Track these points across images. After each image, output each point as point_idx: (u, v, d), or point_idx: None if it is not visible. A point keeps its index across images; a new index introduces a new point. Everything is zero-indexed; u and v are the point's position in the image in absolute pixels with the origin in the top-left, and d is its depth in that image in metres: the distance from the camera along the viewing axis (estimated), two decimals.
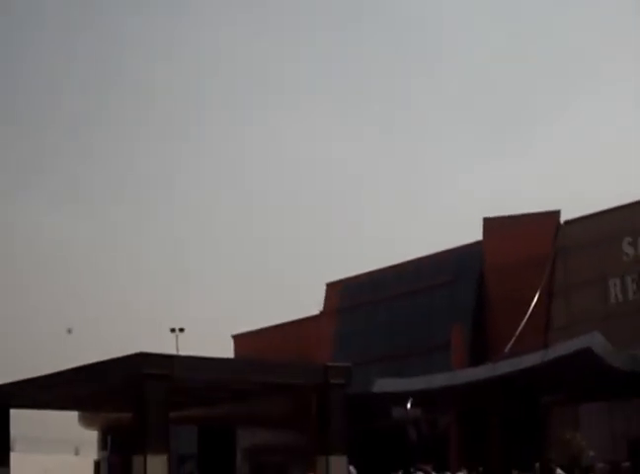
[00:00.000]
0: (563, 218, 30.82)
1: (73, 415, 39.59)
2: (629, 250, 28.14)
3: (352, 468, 13.02)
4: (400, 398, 28.74)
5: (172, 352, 6.19)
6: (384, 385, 29.30)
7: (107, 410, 9.72)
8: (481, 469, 17.39)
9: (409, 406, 28.78)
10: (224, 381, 6.55)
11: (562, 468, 15.46)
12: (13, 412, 7.36)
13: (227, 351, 41.41)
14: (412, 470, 17.07)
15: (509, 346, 27.40)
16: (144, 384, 5.79)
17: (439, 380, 27.25)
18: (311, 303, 41.10)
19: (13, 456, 6.76)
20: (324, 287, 39.98)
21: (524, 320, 28.16)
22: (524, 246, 30.60)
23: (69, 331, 46.07)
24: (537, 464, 15.37)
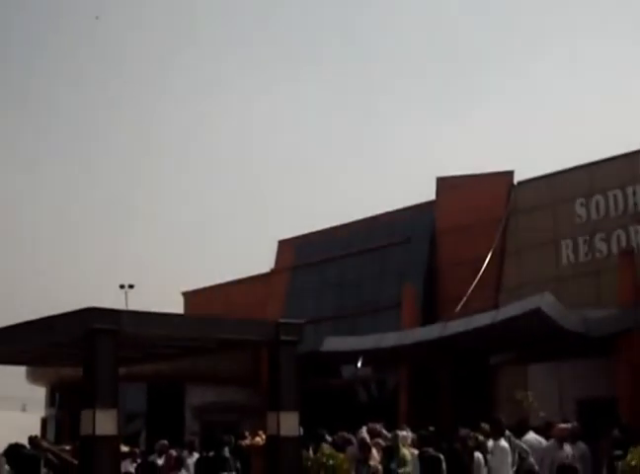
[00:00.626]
0: (516, 179, 31.03)
1: (20, 371, 39.36)
2: (581, 212, 28.46)
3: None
4: (350, 357, 29.02)
5: (122, 308, 6.18)
6: (334, 344, 29.50)
7: (55, 365, 9.71)
8: (432, 428, 17.63)
9: (359, 365, 29.09)
10: (173, 337, 6.56)
11: (510, 429, 15.72)
12: None
13: (177, 308, 41.41)
14: (361, 428, 17.24)
15: (459, 306, 27.71)
16: (93, 339, 5.78)
17: (389, 339, 27.50)
18: (262, 261, 41.20)
19: None
20: (276, 245, 40.01)
21: (476, 281, 28.46)
22: (477, 206, 30.83)
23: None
24: (485, 425, 15.58)
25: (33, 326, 6.51)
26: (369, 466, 14.05)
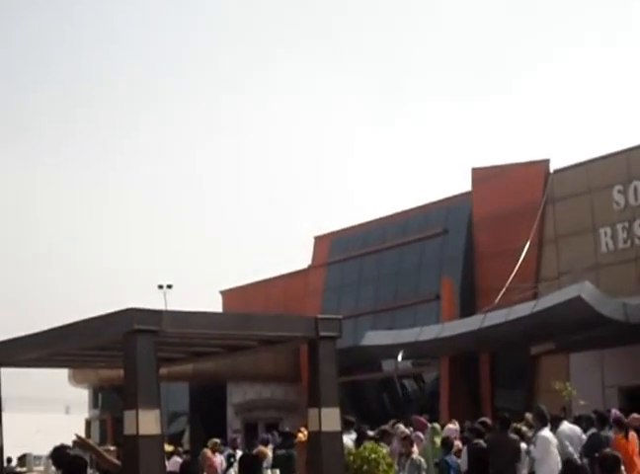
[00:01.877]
0: (553, 167, 30.81)
1: (63, 374, 39.81)
2: (619, 198, 28.21)
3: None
4: (390, 351, 29.02)
5: (161, 308, 6.22)
6: (374, 338, 29.54)
7: (96, 367, 9.78)
8: (483, 419, 17.54)
9: (399, 358, 29.07)
10: (213, 335, 6.57)
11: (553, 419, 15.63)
12: (3, 371, 7.38)
13: (216, 307, 41.62)
14: (404, 423, 17.25)
15: (499, 297, 27.58)
16: (133, 340, 5.81)
17: (429, 332, 27.47)
18: (299, 257, 41.27)
19: (3, 416, 6.80)
20: (312, 241, 40.08)
21: (514, 271, 28.31)
22: (514, 196, 30.65)
23: None
24: (528, 415, 15.48)
25: (72, 329, 6.55)
26: (412, 459, 14.03)
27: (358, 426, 16.46)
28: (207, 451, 17.45)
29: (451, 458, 14.48)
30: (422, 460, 14.06)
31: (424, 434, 16.22)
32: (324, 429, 6.96)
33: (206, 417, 37.03)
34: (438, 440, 15.36)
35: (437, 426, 16.94)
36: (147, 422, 6.02)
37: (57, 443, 10.63)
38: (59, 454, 9.36)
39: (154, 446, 6.10)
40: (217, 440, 19.91)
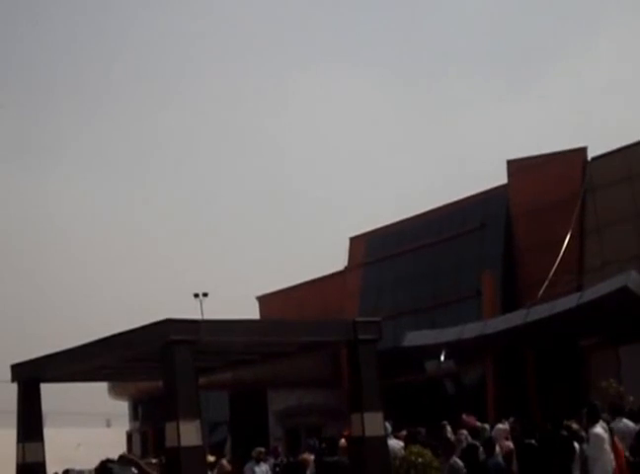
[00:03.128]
0: (590, 155, 30.57)
1: (103, 387, 40.14)
2: None
3: (387, 424, 13.15)
4: (432, 350, 28.95)
5: (197, 317, 6.29)
6: (415, 338, 29.49)
7: (135, 379, 9.89)
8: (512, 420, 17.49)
9: (442, 358, 28.99)
10: (251, 343, 6.63)
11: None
12: (43, 386, 7.51)
13: (253, 313, 41.75)
14: (446, 423, 17.19)
15: (541, 290, 27.42)
16: (171, 351, 5.88)
17: (471, 330, 27.38)
18: (335, 259, 41.26)
19: (45, 431, 6.91)
20: (347, 242, 40.08)
21: (556, 263, 28.12)
22: (552, 186, 30.46)
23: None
24: (585, 410, 15.33)
25: (109, 342, 6.65)
26: (450, 464, 13.94)
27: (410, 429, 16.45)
28: (223, 461, 17.47)
29: (494, 461, 14.28)
30: (460, 464, 13.95)
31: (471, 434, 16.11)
32: (367, 434, 7.00)
33: (247, 425, 37.19)
34: None
35: (486, 426, 16.85)
36: (188, 433, 6.10)
37: (102, 458, 10.74)
38: (103, 469, 9.47)
39: (196, 457, 6.19)
40: (262, 449, 19.93)
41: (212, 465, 21.14)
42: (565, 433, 14.36)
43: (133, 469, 7.53)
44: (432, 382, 34.97)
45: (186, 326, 6.00)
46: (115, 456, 9.38)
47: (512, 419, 17.96)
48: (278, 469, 19.82)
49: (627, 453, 14.48)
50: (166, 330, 5.94)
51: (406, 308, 35.17)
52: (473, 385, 33.35)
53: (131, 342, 6.42)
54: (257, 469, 19.14)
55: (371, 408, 6.94)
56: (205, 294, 42.88)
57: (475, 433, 15.59)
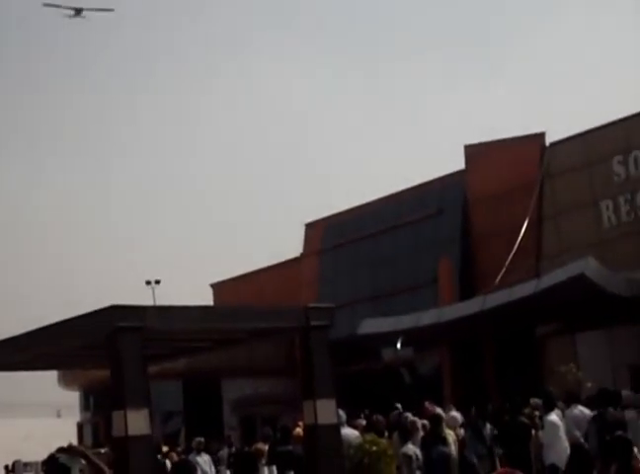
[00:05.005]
0: (548, 140, 30.79)
1: (53, 377, 39.85)
2: (620, 170, 28.18)
3: (341, 412, 13.21)
4: (389, 338, 29.09)
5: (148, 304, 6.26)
6: (371, 326, 29.60)
7: (82, 368, 9.83)
8: (491, 407, 17.65)
9: (399, 346, 29.14)
10: (201, 330, 6.62)
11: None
12: None
13: (207, 301, 41.63)
14: (404, 412, 17.29)
15: (499, 277, 27.64)
16: (118, 338, 5.85)
17: (427, 317, 27.53)
18: (291, 246, 41.27)
19: None
20: (303, 228, 40.06)
21: (514, 250, 28.35)
22: (509, 172, 30.65)
23: None
24: (534, 399, 15.52)
25: (55, 329, 6.59)
26: (403, 452, 14.02)
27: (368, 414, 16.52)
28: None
29: (437, 450, 14.35)
30: (412, 452, 14.00)
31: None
32: (320, 421, 7.01)
33: (202, 415, 37.12)
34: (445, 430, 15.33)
35: (441, 413, 16.95)
36: (136, 422, 6.06)
37: (51, 450, 10.69)
38: (49, 462, 9.43)
39: (144, 447, 6.15)
40: (202, 439, 19.95)
41: (165, 455, 21.13)
42: (524, 419, 14.54)
43: (81, 460, 7.48)
44: (389, 370, 35.14)
45: (132, 312, 5.96)
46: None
47: (473, 409, 18.11)
48: (232, 459, 19.86)
49: (582, 440, 14.69)
50: (112, 316, 5.90)
51: (363, 295, 35.27)
52: (430, 373, 33.59)
53: (77, 329, 6.37)
54: (198, 459, 19.19)
55: (324, 395, 6.96)
56: (158, 281, 42.75)
57: (437, 420, 15.70)
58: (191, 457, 19.51)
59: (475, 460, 14.58)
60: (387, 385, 35.60)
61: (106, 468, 7.19)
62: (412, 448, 13.87)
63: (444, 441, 14.74)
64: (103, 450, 16.77)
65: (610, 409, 14.35)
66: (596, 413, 14.51)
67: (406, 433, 14.47)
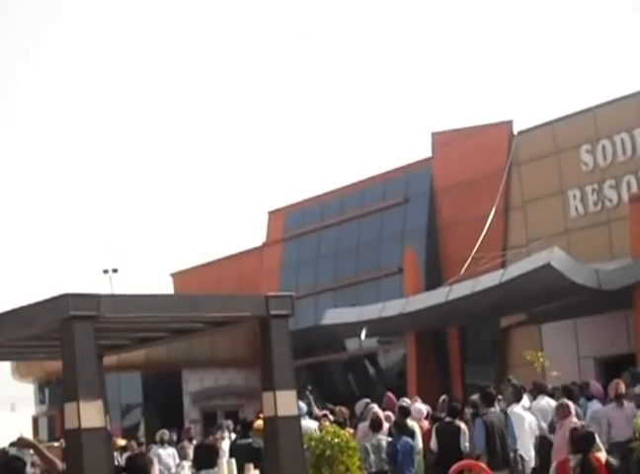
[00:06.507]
0: (516, 128, 30.93)
1: (5, 368, 39.45)
2: (588, 159, 28.39)
3: (302, 404, 13.21)
4: (353, 329, 29.12)
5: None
6: (335, 316, 29.61)
7: (36, 359, 9.71)
8: (444, 398, 17.82)
9: (363, 337, 29.19)
10: (157, 319, 6.54)
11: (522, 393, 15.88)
12: None
13: (167, 291, 41.44)
14: (370, 404, 17.35)
15: (464, 267, 27.74)
16: (70, 327, 5.76)
17: (391, 308, 27.58)
18: (255, 235, 41.21)
19: None
20: (266, 217, 40.00)
21: (480, 239, 28.46)
22: (476, 160, 30.77)
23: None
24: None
25: (4, 318, 6.48)
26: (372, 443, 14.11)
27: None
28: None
29: (402, 442, 14.45)
30: (383, 443, 14.10)
31: (394, 412, 16.32)
32: (280, 413, 6.97)
33: (162, 407, 36.98)
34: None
35: (405, 403, 17.04)
36: (90, 414, 5.98)
37: (4, 444, 10.57)
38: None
39: (98, 440, 6.06)
40: (166, 431, 19.93)
41: (124, 449, 21.01)
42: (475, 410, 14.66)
43: (32, 452, 7.39)
44: (353, 361, 35.23)
45: (86, 301, 5.87)
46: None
47: (444, 396, 18.22)
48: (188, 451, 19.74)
49: (548, 431, 14.83)
50: (65, 305, 5.81)
51: (327, 285, 35.30)
52: (395, 363, 33.72)
53: (29, 318, 6.27)
54: (162, 452, 19.15)
55: (284, 386, 6.91)
56: (115, 270, 42.42)
57: (403, 412, 15.80)
58: (154, 450, 19.49)
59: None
60: (352, 376, 35.68)
61: (57, 461, 7.11)
62: (384, 438, 14.03)
63: (410, 433, 14.85)
64: (57, 444, 16.66)
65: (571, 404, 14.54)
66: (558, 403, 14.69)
67: (378, 424, 14.59)
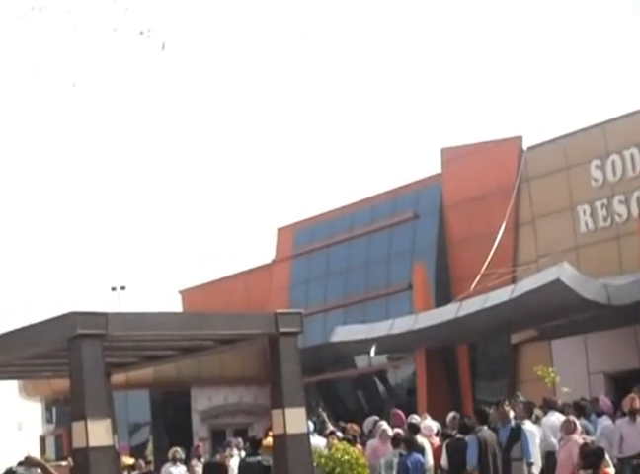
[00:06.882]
0: (526, 144, 30.93)
1: (13, 388, 39.41)
2: (597, 174, 28.36)
3: (310, 422, 13.18)
4: (363, 346, 29.08)
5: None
6: (344, 333, 29.57)
7: (44, 377, 9.70)
8: (454, 415, 17.77)
9: (372, 354, 29.14)
10: (165, 337, 6.53)
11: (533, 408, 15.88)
12: None
13: (176, 309, 41.39)
14: (379, 420, 17.32)
15: (474, 283, 27.69)
16: (78, 345, 5.76)
17: (401, 325, 27.53)
18: (263, 252, 41.19)
19: None
20: (275, 233, 39.98)
21: (490, 255, 28.42)
22: (486, 176, 30.75)
23: None
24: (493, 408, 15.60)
25: (12, 337, 6.49)
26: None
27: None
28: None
29: (412, 459, 14.43)
30: (394, 460, 14.09)
31: (402, 429, 16.29)
32: (289, 431, 6.95)
33: (170, 426, 36.93)
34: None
35: (415, 420, 17.01)
36: (97, 433, 5.97)
37: (10, 464, 10.56)
38: None
39: (106, 458, 6.06)
40: (178, 449, 19.86)
41: (132, 467, 20.96)
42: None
43: (39, 471, 7.40)
44: (363, 378, 35.16)
45: (93, 319, 5.88)
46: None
47: (453, 413, 18.17)
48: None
49: (559, 447, 14.80)
50: (72, 323, 5.82)
51: (337, 302, 35.25)
52: (405, 380, 33.64)
53: (36, 336, 6.28)
54: (173, 470, 19.09)
55: (293, 404, 6.90)
56: (123, 288, 42.44)
57: (412, 428, 15.79)
58: (165, 468, 19.42)
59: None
60: (361, 393, 35.60)
61: None
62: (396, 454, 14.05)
63: (420, 450, 14.83)
64: (64, 463, 16.62)
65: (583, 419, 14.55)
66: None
67: (399, 441, 14.63)
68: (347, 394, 36.50)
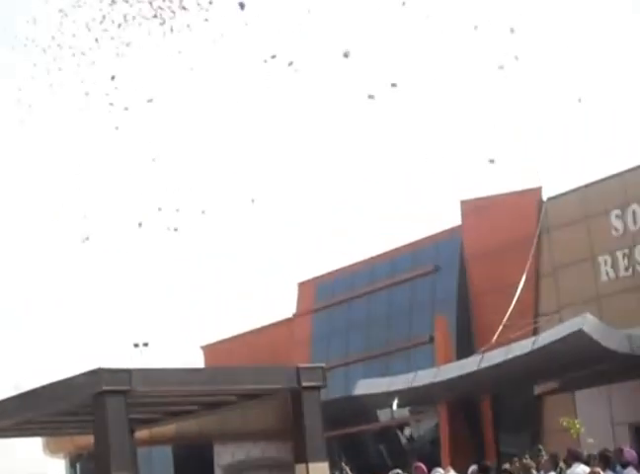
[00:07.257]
0: (545, 195, 30.95)
1: (37, 444, 39.31)
2: (618, 224, 28.32)
3: None
4: (385, 399, 28.92)
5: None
6: (366, 386, 29.43)
7: (69, 434, 9.74)
8: (474, 469, 17.63)
9: (394, 407, 28.96)
10: (188, 393, 6.57)
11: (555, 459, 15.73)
12: None
13: (197, 364, 41.33)
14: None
15: (496, 335, 27.57)
16: (102, 402, 5.80)
17: (422, 377, 27.38)
18: (284, 306, 41.16)
19: None
20: (296, 288, 40.02)
21: (511, 306, 28.32)
22: (506, 227, 30.74)
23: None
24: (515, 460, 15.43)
25: (38, 394, 6.54)
26: None
27: None
28: None
29: None
30: None
31: None
32: None
33: None
34: None
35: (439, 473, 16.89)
36: None
37: None
38: None
39: None
40: None
41: None
42: None
43: None
44: (385, 431, 34.90)
45: (118, 376, 5.93)
46: None
47: (474, 467, 18.01)
48: None
49: None
50: (97, 380, 5.87)
51: (358, 355, 35.14)
52: (428, 433, 33.36)
53: (61, 394, 6.33)
54: None
55: (316, 458, 6.91)
56: (146, 344, 42.45)
57: None
58: None
59: None
60: (384, 446, 35.31)
61: None
62: None
63: None
64: None
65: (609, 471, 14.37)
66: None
67: None
68: (369, 447, 36.22)
